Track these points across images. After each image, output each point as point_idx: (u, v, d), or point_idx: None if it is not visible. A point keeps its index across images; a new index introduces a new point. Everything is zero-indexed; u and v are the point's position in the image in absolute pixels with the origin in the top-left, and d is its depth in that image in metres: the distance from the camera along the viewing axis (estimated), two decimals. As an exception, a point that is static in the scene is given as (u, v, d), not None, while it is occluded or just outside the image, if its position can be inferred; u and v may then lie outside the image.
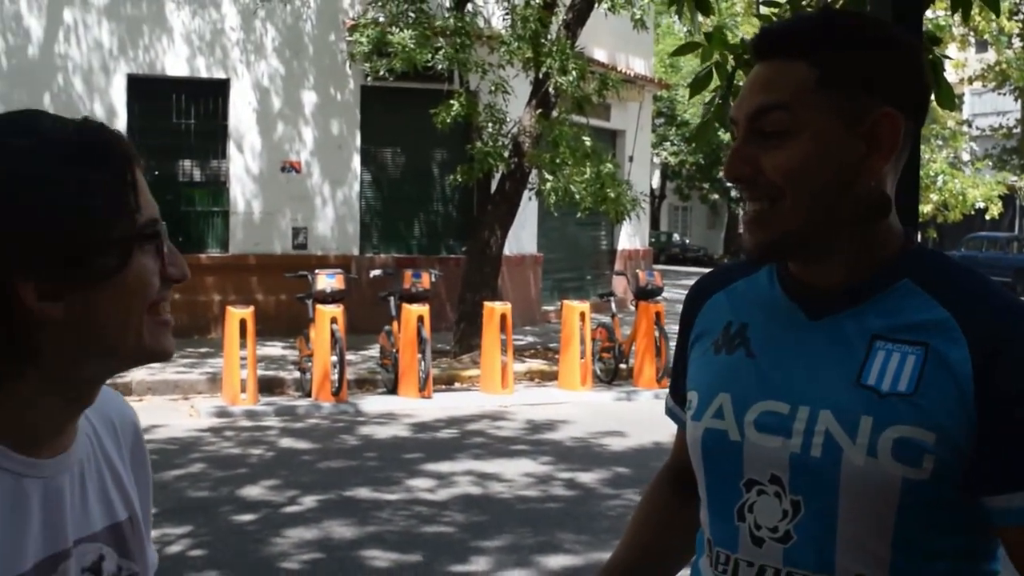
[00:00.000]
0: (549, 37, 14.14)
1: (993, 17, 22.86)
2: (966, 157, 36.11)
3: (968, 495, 1.43)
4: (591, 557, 6.56)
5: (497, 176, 14.89)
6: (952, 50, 26.93)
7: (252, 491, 8.07)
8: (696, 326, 1.73)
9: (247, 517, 7.38)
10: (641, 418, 11.29)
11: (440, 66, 14.06)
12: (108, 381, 1.35)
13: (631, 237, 23.03)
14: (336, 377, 11.84)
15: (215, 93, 16.88)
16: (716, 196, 47.29)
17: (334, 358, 11.83)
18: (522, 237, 18.22)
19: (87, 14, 16.32)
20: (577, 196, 14.15)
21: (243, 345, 11.60)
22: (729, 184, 1.62)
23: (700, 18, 5.16)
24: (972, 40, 29.59)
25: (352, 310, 12.59)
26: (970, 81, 31.05)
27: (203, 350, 14.28)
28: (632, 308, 15.25)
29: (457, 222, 18.26)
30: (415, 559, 6.58)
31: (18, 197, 1.18)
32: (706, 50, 3.98)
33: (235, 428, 10.48)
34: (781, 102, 1.48)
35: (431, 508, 7.72)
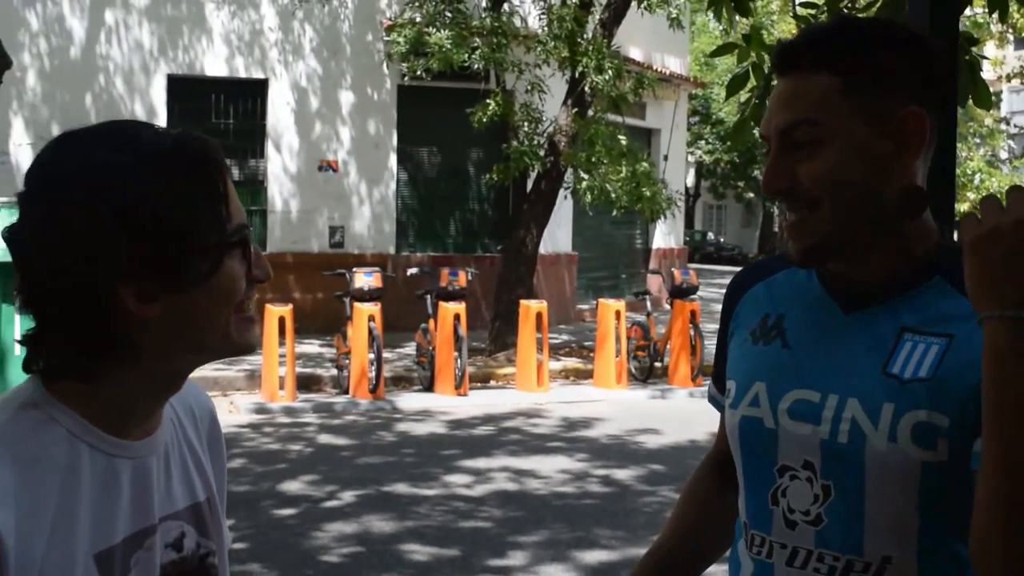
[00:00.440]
0: (585, 36, 14.19)
1: (1032, 14, 22.69)
2: (1004, 155, 35.84)
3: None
4: (627, 553, 6.62)
5: (533, 175, 14.95)
6: (990, 47, 26.76)
7: (292, 486, 8.19)
8: (735, 317, 1.79)
9: (288, 511, 7.49)
10: (676, 416, 11.33)
11: (476, 66, 14.14)
12: None
13: (666, 236, 23.04)
14: (373, 374, 11.95)
15: (254, 93, 17.05)
16: (751, 195, 47.13)
17: (371, 355, 11.95)
18: (557, 236, 18.28)
19: (128, 15, 16.51)
20: (613, 195, 14.21)
21: (281, 343, 11.73)
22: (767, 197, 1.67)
23: (736, 17, 5.21)
24: (1011, 37, 29.36)
25: (388, 308, 12.68)
26: (1008, 79, 30.78)
27: (228, 359, 14.42)
28: (667, 307, 15.28)
29: (493, 221, 18.34)
30: (453, 553, 6.67)
31: (119, 210, 1.26)
32: (743, 51, 4.03)
33: (274, 424, 10.61)
34: (809, 116, 1.54)
35: (468, 503, 7.80)
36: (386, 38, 16.16)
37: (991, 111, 31.41)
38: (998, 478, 1.35)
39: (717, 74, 35.98)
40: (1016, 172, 32.98)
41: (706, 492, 1.92)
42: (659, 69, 19.91)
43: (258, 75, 17.06)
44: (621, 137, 14.83)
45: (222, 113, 16.86)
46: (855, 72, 1.53)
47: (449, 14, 14.38)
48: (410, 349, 14.06)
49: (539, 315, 12.83)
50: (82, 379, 1.31)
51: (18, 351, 10.42)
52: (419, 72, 14.39)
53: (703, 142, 41.15)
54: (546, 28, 14.24)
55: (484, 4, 15.05)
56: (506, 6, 14.94)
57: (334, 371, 12.88)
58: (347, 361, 12.35)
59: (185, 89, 16.70)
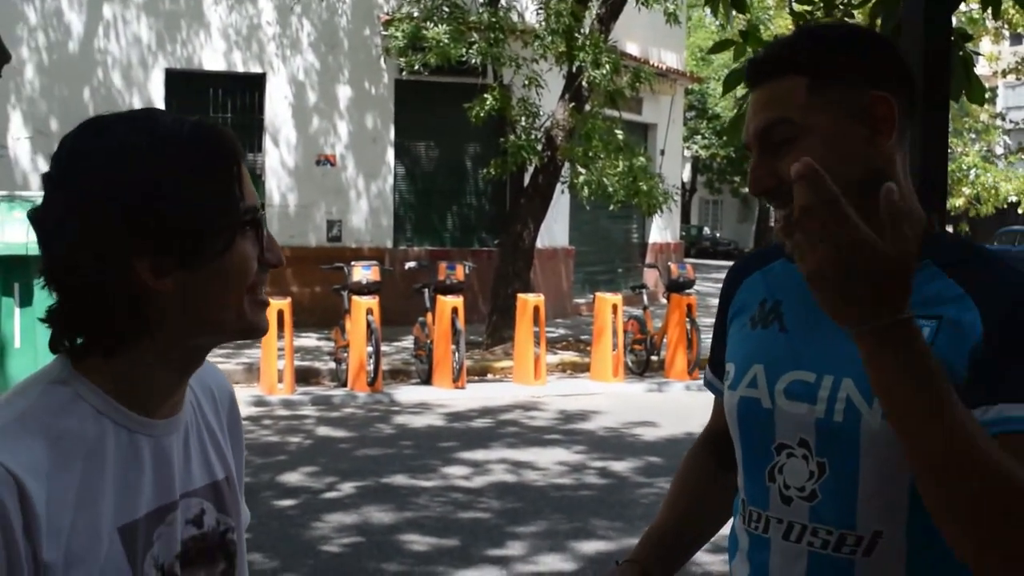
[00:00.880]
0: (582, 31, 14.25)
1: (1027, 10, 22.73)
2: (999, 151, 35.95)
3: None
4: (624, 543, 6.69)
5: (530, 170, 15.01)
6: (985, 43, 26.85)
7: (292, 477, 8.25)
8: (734, 303, 1.88)
9: (287, 502, 7.56)
10: (673, 408, 11.41)
11: (474, 60, 14.19)
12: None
13: (662, 230, 23.13)
14: (371, 367, 12.02)
15: (251, 87, 17.10)
16: (747, 190, 47.17)
17: (370, 349, 12.01)
18: (554, 230, 18.34)
19: (126, 10, 16.56)
20: (610, 189, 14.28)
21: (280, 336, 11.79)
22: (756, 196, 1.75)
23: (733, 13, 5.27)
24: (1006, 33, 29.42)
25: (386, 302, 12.75)
26: (1004, 74, 30.84)
27: (239, 341, 14.48)
28: (664, 301, 15.35)
29: (490, 215, 18.40)
30: (452, 543, 6.74)
31: (139, 186, 1.34)
32: (740, 47, 4.10)
33: (273, 417, 10.66)
34: (782, 115, 1.63)
35: (467, 495, 7.87)
36: (384, 33, 16.21)
37: (986, 107, 31.48)
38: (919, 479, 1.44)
39: (713, 69, 36.06)
40: (1011, 167, 33.07)
41: (699, 473, 2.00)
42: (656, 64, 19.96)
43: (256, 69, 17.11)
44: (618, 132, 14.91)
45: (220, 107, 16.91)
46: (819, 70, 1.62)
47: (447, 9, 14.42)
48: (408, 343, 14.13)
49: (536, 309, 12.89)
50: (105, 354, 1.38)
51: (18, 344, 10.47)
52: (416, 67, 14.44)
53: (699, 137, 41.23)
54: (543, 23, 14.29)
55: (481, -1, 15.12)
56: (503, 1, 15.00)
57: (332, 364, 12.94)
58: (345, 354, 12.42)
59: (183, 83, 16.75)
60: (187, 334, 1.41)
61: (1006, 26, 26.91)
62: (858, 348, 1.41)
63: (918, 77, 1.70)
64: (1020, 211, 32.48)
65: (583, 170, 14.43)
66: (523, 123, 14.68)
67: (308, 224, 17.26)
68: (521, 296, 13.31)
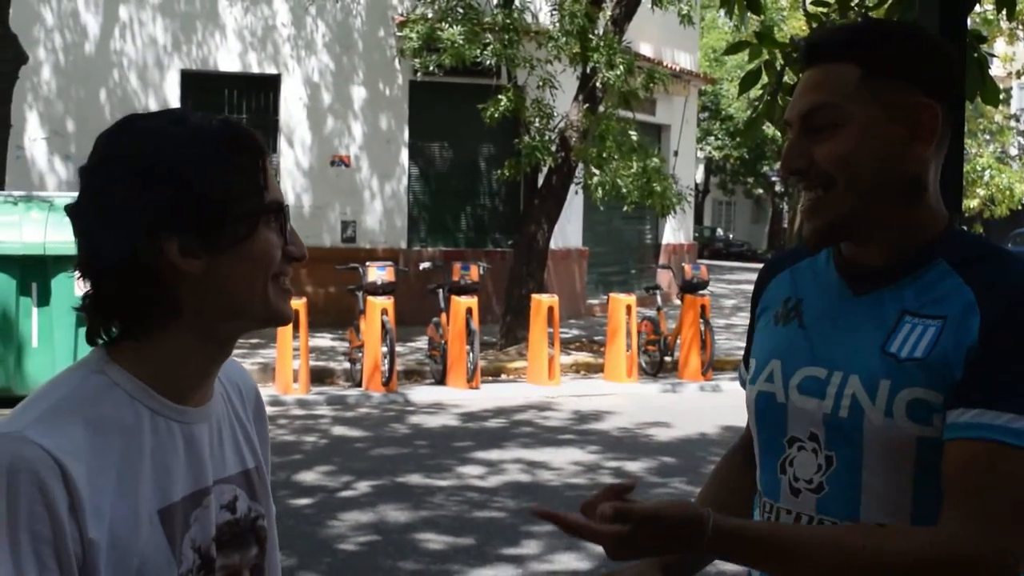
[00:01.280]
0: (596, 32, 14.28)
1: (1042, 11, 22.68)
2: (1014, 151, 35.82)
3: None
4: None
5: (544, 170, 15.05)
6: (1000, 44, 26.77)
7: (307, 476, 8.30)
8: (763, 300, 1.92)
9: (304, 501, 7.61)
10: (687, 409, 11.43)
11: (488, 61, 14.23)
12: None
13: (675, 231, 23.13)
14: (386, 367, 12.06)
15: (266, 88, 17.17)
16: (760, 191, 47.16)
17: (384, 349, 12.06)
18: (568, 231, 18.37)
19: (142, 11, 16.64)
20: (623, 190, 14.31)
21: (295, 336, 11.85)
22: (776, 179, 1.80)
23: (748, 14, 5.30)
24: (1020, 34, 29.34)
25: (401, 302, 12.79)
26: (1018, 75, 30.75)
27: (254, 340, 14.54)
28: (677, 302, 15.37)
29: (504, 216, 18.44)
30: (468, 542, 6.78)
31: (172, 169, 1.42)
32: (755, 48, 4.12)
33: (288, 416, 10.72)
34: (829, 100, 1.65)
35: (482, 494, 7.91)
36: (398, 34, 16.26)
37: (1001, 108, 31.38)
38: None
39: (727, 70, 36.03)
40: (1025, 168, 32.93)
41: (733, 469, 2.03)
42: (670, 65, 19.98)
43: (271, 71, 17.18)
44: (632, 133, 14.93)
45: (235, 108, 16.97)
46: (876, 64, 1.64)
47: (461, 10, 14.46)
48: (422, 343, 14.17)
49: (550, 309, 12.92)
50: (138, 339, 1.45)
51: (36, 343, 10.55)
52: (431, 68, 14.49)
53: (713, 138, 41.21)
54: (557, 24, 14.32)
55: (496, 0, 15.13)
56: (518, 2, 15.01)
57: (347, 364, 12.99)
58: (360, 354, 12.46)
59: (198, 84, 16.83)
60: (215, 319, 1.47)
61: (1021, 27, 26.85)
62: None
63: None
64: (1034, 212, 32.35)
65: (597, 171, 14.46)
66: (537, 124, 14.71)
67: (322, 225, 17.32)
68: (535, 297, 13.34)
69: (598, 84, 14.44)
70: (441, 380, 12.73)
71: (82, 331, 1.48)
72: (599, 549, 1.62)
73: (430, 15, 14.82)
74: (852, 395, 1.65)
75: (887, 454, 1.62)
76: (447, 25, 14.22)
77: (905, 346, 1.62)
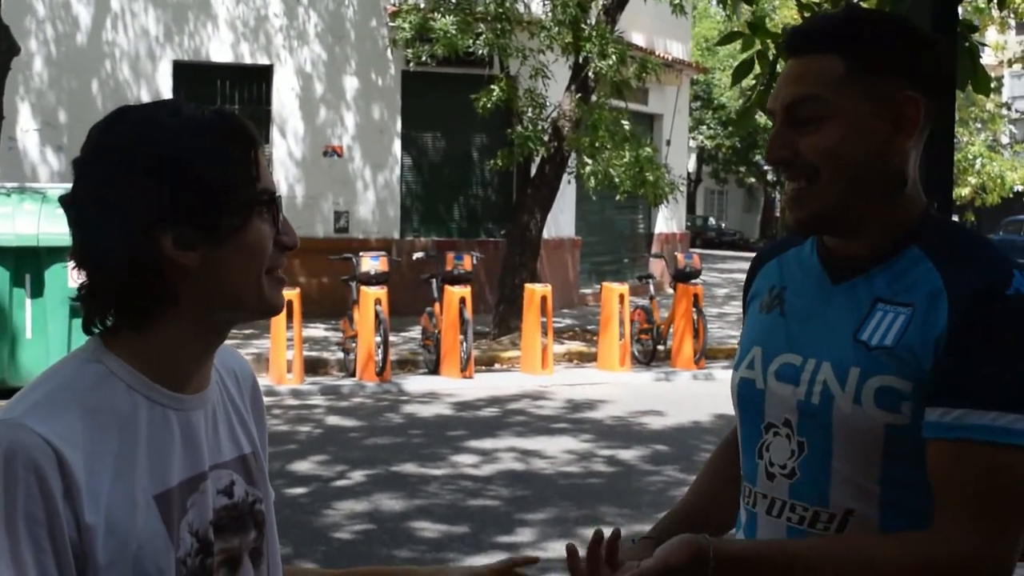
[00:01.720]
0: (588, 22, 14.29)
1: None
2: (1005, 140, 35.88)
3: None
4: (633, 530, 6.72)
5: (537, 160, 15.06)
6: (992, 32, 26.79)
7: (302, 466, 8.33)
8: (752, 289, 1.95)
9: (299, 490, 7.63)
10: (679, 398, 11.47)
11: (481, 51, 14.24)
12: None
13: (668, 221, 23.17)
14: (380, 357, 12.08)
15: (259, 79, 17.16)
16: (752, 180, 47.20)
17: (378, 339, 12.08)
18: (561, 221, 18.40)
19: (134, 2, 16.62)
20: (616, 179, 14.33)
21: (289, 326, 11.86)
22: (768, 168, 1.82)
23: (741, 5, 5.32)
24: (1012, 23, 29.37)
25: (394, 292, 12.81)
26: (1010, 63, 30.77)
27: (248, 331, 14.54)
28: (670, 291, 15.40)
29: (497, 206, 18.46)
30: (462, 530, 6.81)
31: (166, 161, 1.43)
32: (748, 39, 4.14)
33: (282, 407, 10.74)
34: (814, 93, 1.67)
35: (476, 483, 7.94)
36: (391, 24, 16.27)
37: (992, 96, 31.41)
38: None
39: (719, 59, 36.02)
40: (1017, 156, 33.02)
41: (729, 459, 2.06)
42: (662, 55, 20.00)
43: (263, 61, 17.17)
44: (624, 122, 14.95)
45: (227, 99, 16.95)
46: (861, 57, 1.65)
47: (453, 0, 14.46)
48: (415, 333, 14.19)
49: (543, 299, 12.95)
50: (134, 329, 1.47)
51: (29, 334, 10.56)
52: (423, 58, 14.50)
53: (705, 127, 41.21)
54: (550, 14, 14.34)
55: (488, -10, 15.13)
56: (510, -8, 15.02)
57: (341, 354, 13.01)
58: (354, 344, 12.48)
59: (191, 75, 16.80)
60: (209, 309, 1.50)
61: (1012, 15, 26.87)
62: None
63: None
64: (1026, 200, 32.38)
65: (589, 161, 14.48)
66: (530, 114, 14.73)
67: (316, 215, 17.32)
68: (528, 286, 13.37)
69: (590, 74, 14.45)
70: (435, 370, 12.75)
71: (76, 322, 1.51)
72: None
73: (422, 5, 14.83)
74: (823, 382, 1.67)
75: (856, 441, 1.64)
76: (439, 15, 14.23)
77: (876, 334, 1.64)
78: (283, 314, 11.73)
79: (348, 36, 17.38)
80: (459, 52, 14.07)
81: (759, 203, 51.36)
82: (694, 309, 13.59)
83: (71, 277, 1.47)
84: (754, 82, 4.49)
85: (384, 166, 17.66)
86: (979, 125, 32.67)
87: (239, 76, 17.12)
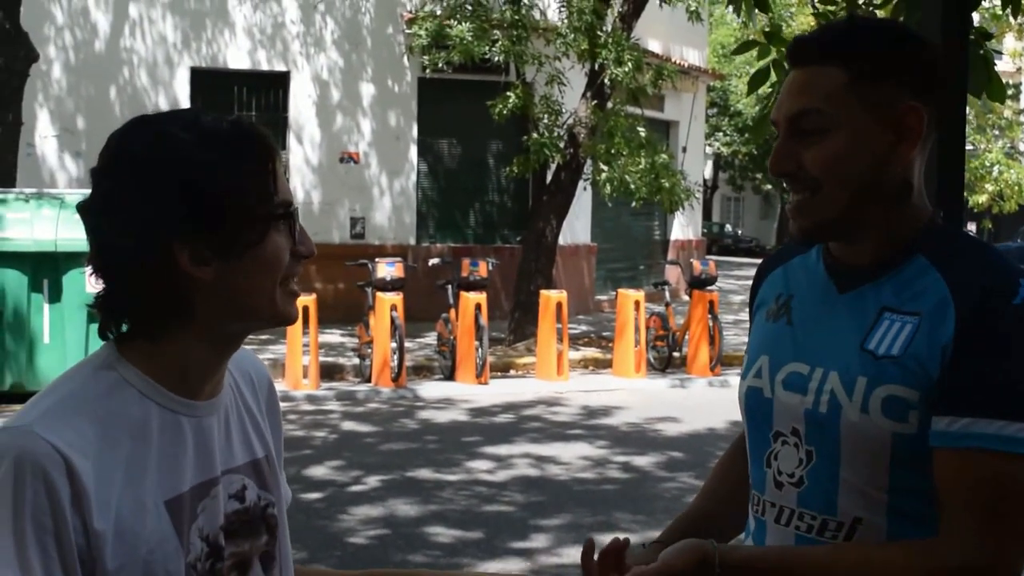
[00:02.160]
0: (605, 29, 14.29)
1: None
2: (1023, 147, 35.74)
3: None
4: (648, 536, 6.74)
5: (552, 167, 15.07)
6: (1009, 39, 26.72)
7: (318, 471, 8.35)
8: (758, 297, 1.95)
9: (314, 495, 7.65)
10: (695, 404, 11.46)
11: (497, 58, 14.27)
12: None
13: (684, 227, 23.15)
14: (395, 363, 12.10)
15: (276, 85, 17.23)
16: (769, 186, 47.07)
17: (393, 344, 12.10)
18: (576, 227, 18.39)
19: (152, 9, 16.70)
20: (632, 186, 14.32)
21: (305, 332, 11.89)
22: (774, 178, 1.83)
23: (756, 11, 5.32)
24: (1030, 29, 29.25)
25: (410, 298, 12.83)
26: (1027, 70, 30.70)
27: (265, 337, 14.58)
28: (686, 297, 15.38)
29: (512, 212, 18.47)
30: (477, 536, 6.82)
31: (182, 177, 1.44)
32: (764, 48, 4.15)
33: (298, 412, 10.77)
34: (816, 105, 1.67)
35: (491, 488, 7.95)
36: (407, 31, 16.31)
37: (1010, 103, 31.29)
38: None
39: (735, 66, 35.98)
40: (1034, 163, 32.83)
41: (731, 464, 2.06)
42: (678, 61, 19.97)
43: (280, 68, 17.23)
44: (640, 129, 14.95)
45: (245, 105, 17.02)
46: (862, 67, 1.66)
47: (470, 7, 14.49)
48: (431, 339, 14.21)
49: (559, 305, 12.96)
50: (148, 338, 1.49)
51: (47, 339, 10.62)
52: (440, 64, 14.54)
53: (721, 134, 41.14)
54: (566, 21, 14.36)
55: (504, -3, 15.17)
56: (526, -1, 15.06)
57: (356, 360, 13.04)
58: (369, 350, 12.50)
59: (208, 82, 16.88)
60: (223, 320, 1.51)
61: (1030, 22, 26.72)
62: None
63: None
64: (1044, 208, 32.23)
65: (605, 167, 14.48)
66: (546, 121, 14.73)
67: (332, 221, 17.36)
68: (544, 292, 13.38)
69: (606, 80, 14.46)
70: (450, 376, 12.77)
71: (93, 328, 1.53)
72: (607, 542, 1.68)
73: (439, 12, 14.86)
74: (831, 391, 1.68)
75: (863, 449, 1.64)
76: (456, 22, 14.26)
77: (883, 343, 1.65)
78: (299, 320, 11.76)
79: (365, 43, 17.44)
80: (475, 59, 14.10)
81: (776, 210, 51.22)
82: (710, 316, 13.57)
83: (89, 283, 1.48)
84: (770, 90, 4.50)
85: (400, 172, 17.70)
86: (997, 132, 32.55)
87: (256, 83, 17.19)
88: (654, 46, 19.10)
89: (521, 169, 14.88)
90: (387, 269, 12.54)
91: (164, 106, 16.18)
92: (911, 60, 1.68)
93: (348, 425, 10.22)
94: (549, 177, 15.26)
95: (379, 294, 12.36)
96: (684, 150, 22.14)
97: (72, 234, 10.23)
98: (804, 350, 1.75)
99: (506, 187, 18.29)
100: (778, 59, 4.19)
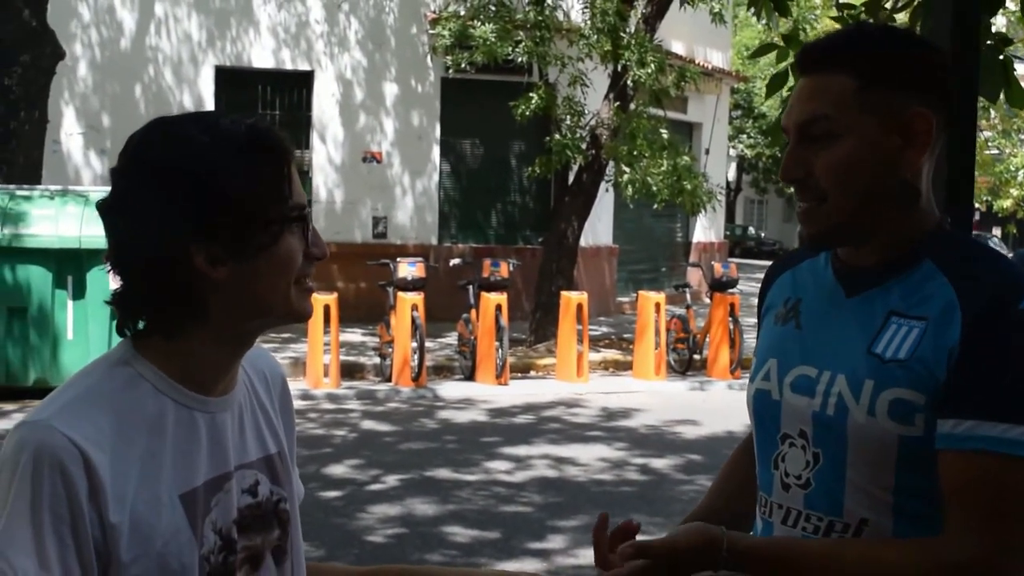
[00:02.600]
0: (628, 30, 14.29)
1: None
2: (1049, 152, 35.44)
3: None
4: (664, 538, 6.76)
5: (574, 168, 15.08)
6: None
7: (337, 469, 8.39)
8: (767, 301, 1.97)
9: (333, 493, 7.69)
10: (715, 407, 11.45)
11: (520, 59, 14.29)
12: None
13: (706, 230, 23.11)
14: (416, 363, 12.13)
15: (299, 85, 17.30)
16: (792, 190, 46.80)
17: (414, 344, 12.13)
18: (598, 229, 18.40)
19: (177, 7, 16.80)
20: (654, 188, 14.31)
21: (326, 331, 11.93)
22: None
23: (777, 15, 5.32)
24: (1056, 33, 29.03)
25: (431, 298, 12.86)
26: (1054, 75, 30.44)
27: (286, 335, 14.64)
28: (707, 300, 15.36)
29: (534, 213, 18.49)
30: (494, 536, 6.85)
31: (199, 180, 1.47)
32: (782, 51, 4.16)
33: (318, 410, 10.81)
34: (824, 112, 1.69)
35: (509, 489, 7.97)
36: (430, 31, 16.35)
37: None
38: None
39: (759, 68, 35.82)
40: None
41: (739, 463, 2.08)
42: (701, 63, 19.94)
43: (304, 67, 17.30)
44: (663, 131, 14.95)
45: (268, 104, 17.11)
46: (869, 73, 1.68)
47: (493, 8, 14.52)
48: (451, 339, 14.24)
49: (579, 307, 12.96)
50: (164, 336, 1.52)
51: (71, 335, 10.70)
52: (463, 65, 14.56)
53: (745, 136, 41.02)
54: (589, 22, 14.35)
55: (528, -2, 15.19)
56: (549, 0, 15.06)
57: (377, 359, 13.08)
58: (390, 349, 12.54)
59: (232, 80, 16.98)
60: (238, 319, 1.54)
61: (1057, 26, 26.53)
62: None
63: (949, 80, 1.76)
64: (1070, 213, 32.04)
65: (627, 169, 14.47)
66: (568, 122, 14.74)
67: (354, 220, 17.42)
68: (564, 294, 13.39)
69: (629, 82, 14.45)
70: (470, 376, 12.80)
71: (116, 324, 1.56)
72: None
73: (462, 12, 14.89)
74: (838, 394, 1.70)
75: (870, 452, 1.66)
76: (479, 22, 14.29)
77: (890, 347, 1.66)
78: (320, 318, 11.82)
79: (388, 43, 17.49)
80: (498, 59, 14.13)
81: (799, 213, 50.91)
82: (730, 319, 13.55)
83: (112, 279, 1.52)
84: (788, 94, 4.49)
85: (423, 172, 17.74)
86: (1022, 137, 32.34)
87: (280, 82, 17.26)
88: (677, 48, 19.08)
89: (543, 170, 14.89)
90: (408, 269, 12.57)
91: (189, 104, 16.29)
92: (919, 65, 1.70)
93: (368, 424, 10.26)
94: (571, 178, 15.27)
95: (400, 294, 12.40)
96: (707, 152, 22.11)
97: (96, 231, 10.27)
98: (812, 353, 1.77)
99: (528, 188, 18.31)
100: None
